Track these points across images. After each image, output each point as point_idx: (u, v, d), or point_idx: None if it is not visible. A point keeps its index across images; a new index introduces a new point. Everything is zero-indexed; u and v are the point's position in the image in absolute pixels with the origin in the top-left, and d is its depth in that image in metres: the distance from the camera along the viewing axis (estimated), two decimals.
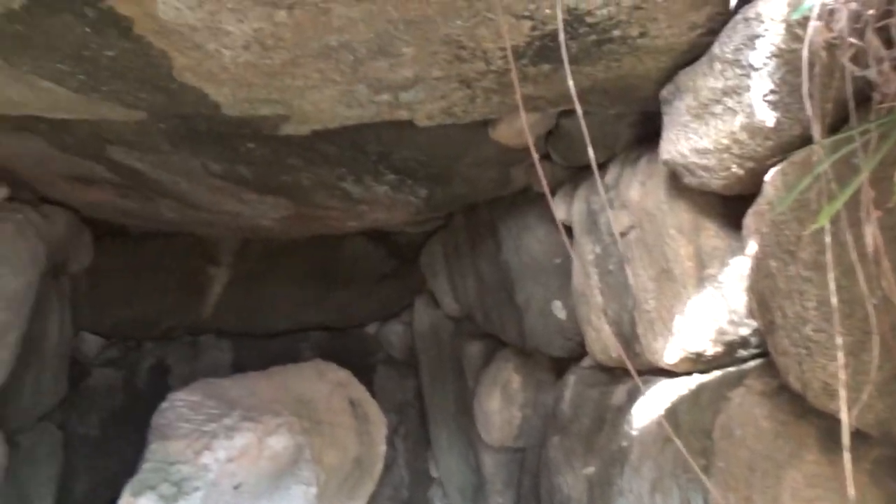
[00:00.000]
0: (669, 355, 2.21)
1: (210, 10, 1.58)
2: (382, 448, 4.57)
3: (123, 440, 5.03)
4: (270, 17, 1.61)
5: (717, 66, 1.71)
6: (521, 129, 2.57)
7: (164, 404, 4.10)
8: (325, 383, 4.53)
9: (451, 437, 4.88)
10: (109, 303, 4.96)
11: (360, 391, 4.62)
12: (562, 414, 3.24)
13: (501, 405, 3.89)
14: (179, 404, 4.07)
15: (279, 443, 4.05)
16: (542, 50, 1.86)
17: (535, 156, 1.14)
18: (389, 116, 2.35)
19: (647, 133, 2.50)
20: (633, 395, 2.55)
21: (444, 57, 1.88)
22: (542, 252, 3.25)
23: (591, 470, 2.79)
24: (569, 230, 3.02)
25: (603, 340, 2.68)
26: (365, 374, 5.09)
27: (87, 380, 5.21)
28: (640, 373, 2.57)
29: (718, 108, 1.72)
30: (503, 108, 2.35)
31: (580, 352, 3.23)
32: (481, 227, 3.86)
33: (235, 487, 3.97)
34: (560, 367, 3.75)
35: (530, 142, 1.33)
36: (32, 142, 2.77)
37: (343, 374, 4.63)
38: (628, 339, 2.48)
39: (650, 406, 2.37)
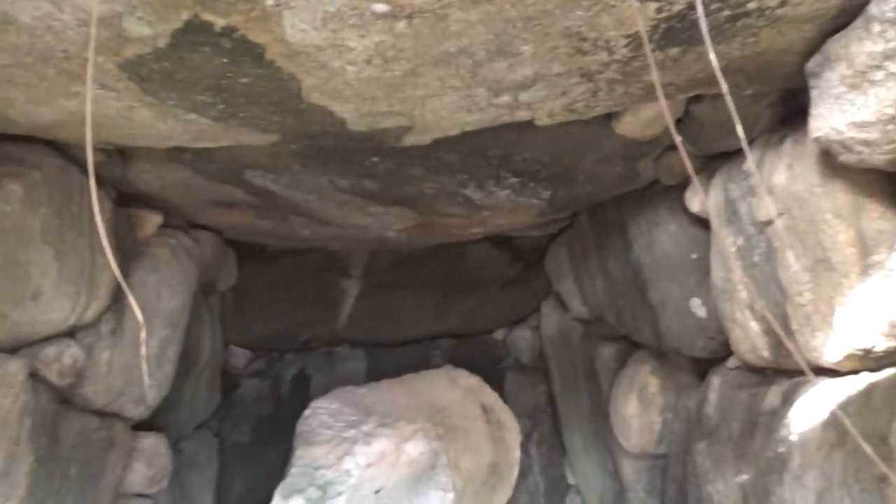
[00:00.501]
0: (832, 353, 2.01)
1: (333, 29, 1.63)
2: (517, 453, 4.52)
3: (271, 446, 5.34)
4: (391, 28, 1.64)
5: (876, 27, 1.53)
6: (647, 120, 2.46)
7: (307, 412, 4.31)
8: (457, 389, 4.56)
9: (587, 442, 4.75)
10: (253, 318, 5.30)
11: (491, 397, 4.61)
12: (707, 418, 3.05)
13: (639, 410, 3.72)
14: (321, 412, 4.26)
15: (416, 448, 4.12)
16: (669, 32, 1.76)
17: (678, 137, 1.05)
18: (510, 118, 2.32)
19: (790, 112, 2.31)
20: (788, 398, 2.35)
21: (565, 51, 1.83)
22: (675, 248, 3.08)
23: (743, 478, 2.59)
24: (704, 223, 2.85)
25: (751, 339, 2.49)
26: (495, 380, 5.07)
27: (237, 390, 5.59)
28: (796, 373, 2.37)
29: (879, 75, 1.55)
30: (627, 100, 2.26)
31: (724, 352, 3.03)
32: (608, 225, 3.73)
33: (376, 492, 4.08)
34: (701, 368, 3.54)
35: (670, 122, 1.25)
36: (179, 171, 3.01)
37: (474, 381, 4.65)
38: (780, 336, 2.28)
39: (811, 409, 2.17)
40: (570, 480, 5.50)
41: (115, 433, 3.10)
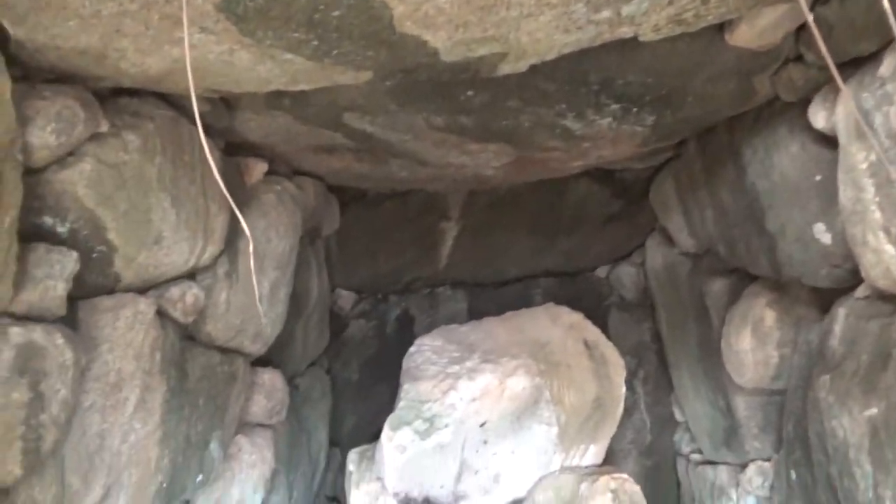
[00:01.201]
0: None
1: None
2: (622, 389, 4.46)
3: (379, 383, 5.56)
4: None
5: None
6: (765, 27, 2.24)
7: (412, 349, 4.43)
8: (559, 326, 4.53)
9: (696, 379, 4.61)
10: (357, 262, 5.46)
11: (595, 333, 4.55)
12: (831, 352, 2.86)
13: (754, 344, 3.55)
14: (425, 349, 4.37)
15: (518, 384, 4.15)
16: None
17: (809, 15, 0.93)
18: (610, 35, 2.18)
19: None
20: None
21: None
22: (796, 170, 2.85)
23: (873, 412, 2.43)
24: (830, 141, 2.61)
25: (884, 264, 2.28)
26: (598, 318, 4.99)
27: (345, 331, 5.84)
28: None
29: None
30: (742, 5, 2.06)
31: (851, 281, 2.81)
32: (719, 151, 3.50)
33: (481, 425, 4.17)
34: (823, 300, 3.31)
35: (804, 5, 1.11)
36: (280, 118, 3.08)
37: (576, 317, 4.59)
38: None
39: None
40: (678, 417, 5.39)
41: (236, 368, 3.31)
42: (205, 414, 2.99)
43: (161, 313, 2.65)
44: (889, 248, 2.21)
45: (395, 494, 4.09)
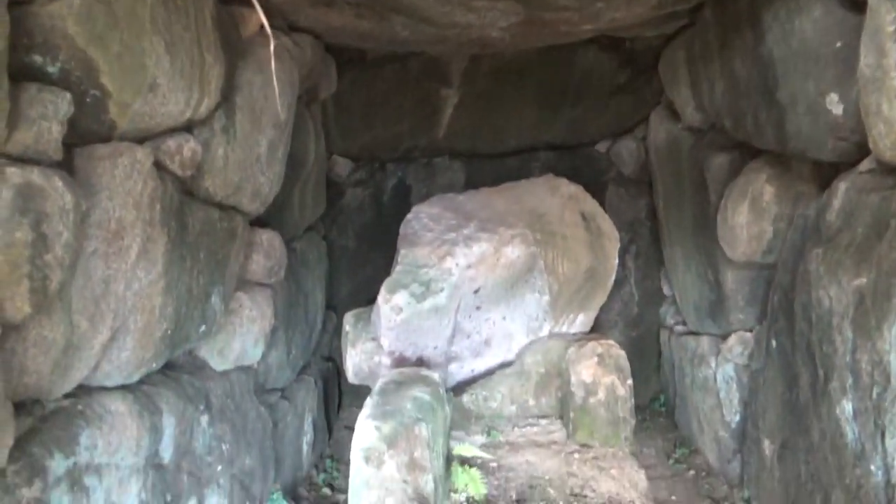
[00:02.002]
0: None
1: None
2: (615, 261, 4.56)
3: (375, 250, 5.65)
4: None
5: None
6: None
7: (410, 216, 4.45)
8: (557, 197, 4.54)
9: (688, 254, 4.69)
10: (355, 127, 5.35)
11: (592, 205, 4.57)
12: (827, 225, 2.90)
13: (750, 219, 3.59)
14: (423, 216, 4.39)
15: (514, 252, 4.22)
16: None
17: None
18: None
19: None
20: None
21: None
22: (817, 36, 2.74)
23: (861, 281, 2.49)
24: (856, 5, 2.49)
25: (895, 134, 2.25)
26: (596, 194, 4.98)
27: (342, 198, 5.84)
28: None
29: None
30: None
31: (856, 155, 2.79)
32: (737, 17, 3.35)
33: (475, 291, 4.28)
34: (823, 177, 3.32)
35: None
36: None
37: (575, 189, 4.59)
38: None
39: None
40: (666, 292, 5.55)
41: (235, 225, 3.33)
42: (206, 268, 3.04)
43: (159, 165, 2.62)
44: None
45: (390, 353, 4.26)
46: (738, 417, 4.09)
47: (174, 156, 2.70)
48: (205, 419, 3.18)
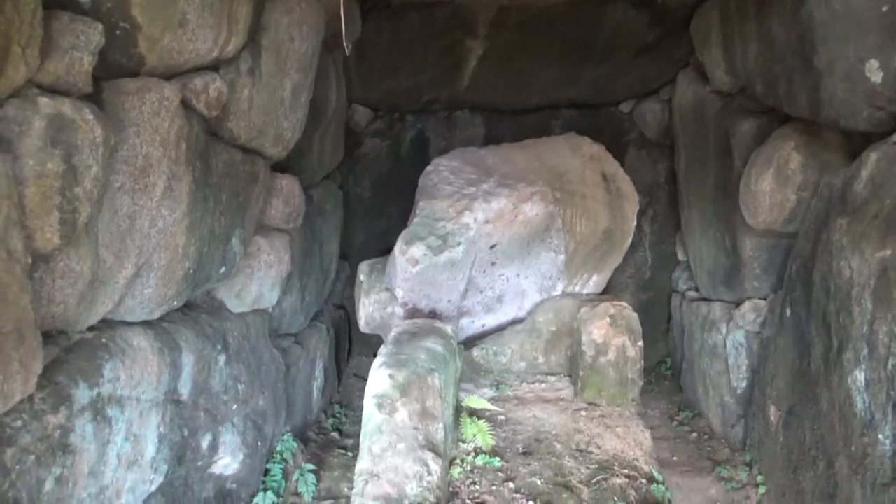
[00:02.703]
0: None
1: None
2: (633, 223, 4.55)
3: (390, 201, 5.66)
4: None
5: None
6: None
7: (429, 168, 4.44)
8: (578, 157, 4.51)
9: (706, 220, 4.67)
10: (376, 76, 5.28)
11: (613, 166, 4.54)
12: (854, 195, 2.86)
13: (774, 186, 3.55)
14: (442, 169, 4.37)
15: (532, 209, 4.21)
16: None
17: None
18: None
19: None
20: None
21: None
22: None
23: (886, 253, 2.48)
24: None
25: None
26: (616, 155, 4.95)
27: (360, 148, 5.81)
28: None
29: None
30: None
31: (890, 125, 2.75)
32: None
33: (491, 247, 4.29)
34: (853, 146, 3.27)
35: None
36: None
37: (597, 148, 4.56)
38: None
39: None
40: (680, 257, 5.54)
41: (257, 168, 3.33)
42: (227, 209, 3.05)
43: (185, 104, 2.60)
44: None
45: (404, 305, 4.30)
46: (745, 384, 4.12)
47: (200, 95, 2.68)
48: (222, 359, 3.23)
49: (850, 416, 2.68)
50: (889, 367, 2.41)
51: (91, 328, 2.42)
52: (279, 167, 3.86)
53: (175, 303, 2.82)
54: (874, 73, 2.65)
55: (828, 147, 3.44)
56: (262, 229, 3.74)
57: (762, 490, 3.61)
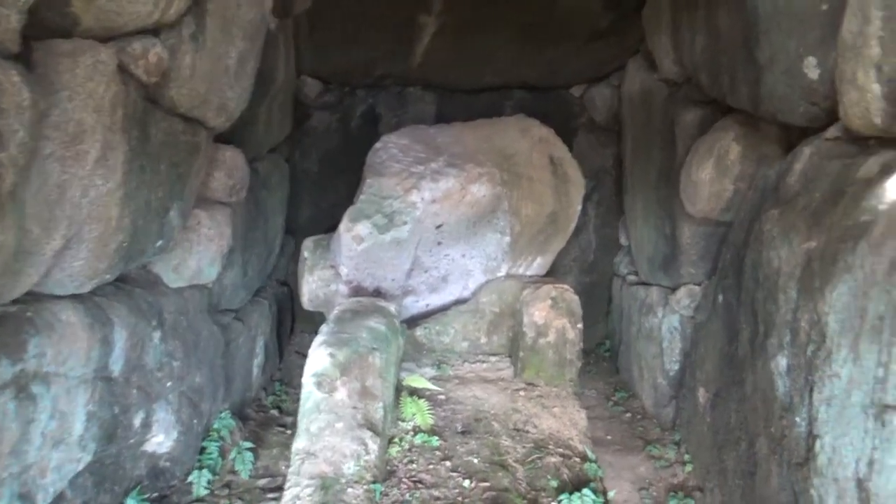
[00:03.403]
0: None
1: None
2: (578, 207, 4.62)
3: (338, 177, 5.58)
4: None
5: None
6: None
7: (378, 145, 4.39)
8: (527, 139, 4.53)
9: (648, 207, 4.78)
10: (327, 48, 5.16)
11: (561, 150, 4.58)
12: (786, 188, 2.97)
13: (713, 176, 3.66)
14: (391, 146, 4.33)
15: (480, 190, 4.23)
16: None
17: None
18: None
19: None
20: (888, 168, 2.23)
21: None
22: None
23: (811, 245, 2.59)
24: None
25: (866, 103, 2.30)
26: (566, 138, 4.99)
27: (308, 121, 5.70)
28: None
29: None
30: None
31: (824, 121, 2.85)
32: None
33: (438, 227, 4.29)
34: (789, 140, 3.39)
35: None
36: None
37: (546, 132, 4.59)
38: None
39: None
40: (622, 241, 5.67)
41: (199, 139, 3.22)
42: (166, 181, 2.95)
43: (123, 68, 2.49)
44: (876, 87, 2.22)
45: (348, 282, 4.28)
46: (677, 366, 4.27)
47: (139, 60, 2.57)
48: (157, 335, 3.15)
49: (772, 399, 2.81)
50: (808, 353, 2.53)
51: (15, 301, 2.32)
52: (223, 138, 3.75)
53: (107, 276, 2.72)
54: (812, 69, 2.74)
55: (766, 140, 3.55)
56: (203, 202, 3.64)
57: (688, 468, 3.76)
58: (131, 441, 3.02)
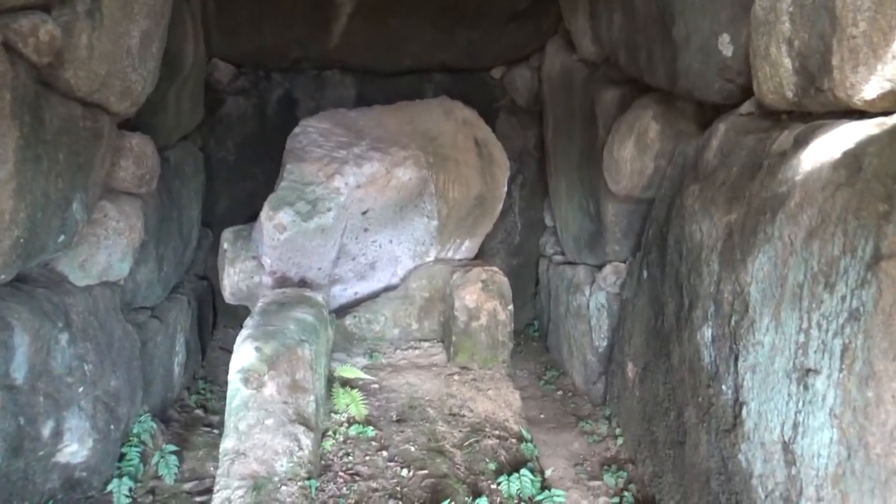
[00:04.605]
0: (870, 89, 1.91)
1: None
2: (504, 189, 4.61)
3: (256, 165, 5.36)
4: None
5: None
6: None
7: (297, 129, 4.23)
8: (451, 121, 4.48)
9: (572, 186, 4.84)
10: (239, 29, 4.93)
11: (485, 131, 4.56)
12: (705, 163, 3.05)
13: (634, 154, 3.72)
14: (311, 131, 4.18)
15: (405, 174, 4.15)
16: None
17: None
18: None
19: None
20: (802, 140, 2.30)
21: None
22: None
23: (731, 217, 2.66)
24: None
25: (778, 77, 2.37)
26: (487, 120, 4.96)
27: (222, 107, 5.43)
28: (819, 115, 2.30)
29: None
30: None
31: (739, 97, 2.93)
32: None
33: (363, 213, 4.18)
34: (705, 117, 3.48)
35: None
36: None
37: (469, 113, 4.55)
38: (813, 74, 2.16)
39: (824, 149, 2.13)
40: (547, 222, 5.73)
41: (101, 125, 3.00)
42: (66, 171, 2.72)
43: (9, 47, 2.27)
44: (787, 61, 2.28)
45: (272, 273, 4.12)
46: (605, 343, 4.36)
47: (28, 38, 2.34)
48: (64, 337, 2.92)
49: (698, 369, 2.89)
50: (732, 323, 2.60)
51: None
52: (129, 125, 3.51)
53: (3, 276, 2.49)
54: (726, 46, 2.81)
55: (683, 117, 3.64)
56: (110, 193, 3.40)
57: (620, 441, 3.85)
58: (41, 453, 2.80)
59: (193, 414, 4.38)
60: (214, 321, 5.58)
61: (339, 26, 4.86)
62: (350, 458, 3.12)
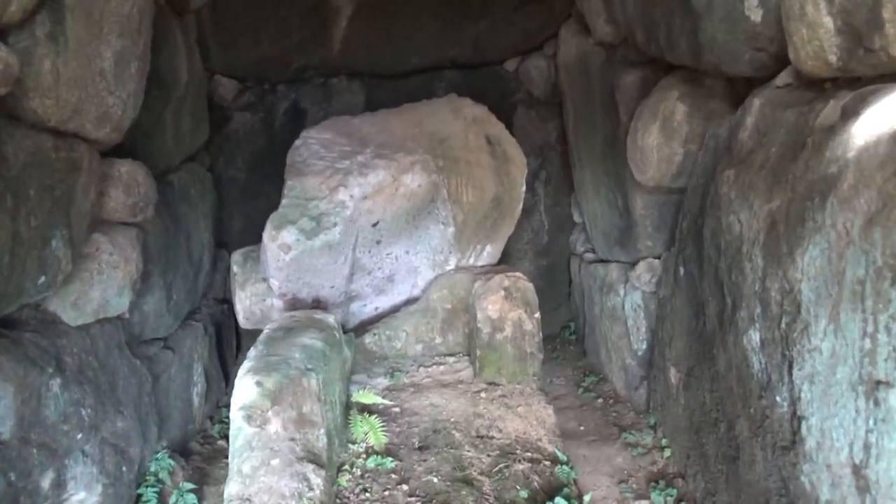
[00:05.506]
0: None
1: None
2: (522, 188, 4.31)
3: (267, 181, 5.16)
4: None
5: None
6: None
7: (298, 142, 4.02)
8: (460, 120, 4.20)
9: (598, 179, 4.50)
10: (236, 42, 4.75)
11: (497, 128, 4.26)
12: (740, 145, 2.71)
13: (661, 140, 3.38)
14: (312, 142, 3.96)
15: (414, 180, 3.89)
16: None
17: None
18: None
19: None
20: (851, 111, 1.96)
21: None
22: None
23: (774, 205, 2.32)
24: None
25: (818, 40, 2.03)
26: (504, 116, 4.69)
27: (228, 124, 5.27)
28: (870, 80, 1.95)
29: None
30: None
31: (773, 68, 2.59)
32: None
33: (374, 224, 3.94)
34: (737, 94, 3.14)
35: None
36: None
37: (479, 110, 4.26)
38: (860, 32, 1.82)
39: (880, 120, 1.79)
40: (576, 219, 5.40)
41: (78, 155, 2.81)
42: (39, 207, 2.54)
43: None
44: (828, 20, 1.95)
45: (282, 295, 3.91)
46: (645, 345, 4.03)
47: None
48: (56, 382, 2.75)
49: (748, 377, 2.56)
50: (783, 325, 2.27)
51: None
52: (119, 152, 3.34)
53: None
54: (753, 11, 2.46)
55: (712, 96, 3.30)
56: (101, 225, 3.23)
57: (667, 453, 3.52)
58: None
59: (216, 445, 4.20)
60: (239, 344, 5.42)
61: (339, 30, 4.63)
62: (367, 494, 2.88)
